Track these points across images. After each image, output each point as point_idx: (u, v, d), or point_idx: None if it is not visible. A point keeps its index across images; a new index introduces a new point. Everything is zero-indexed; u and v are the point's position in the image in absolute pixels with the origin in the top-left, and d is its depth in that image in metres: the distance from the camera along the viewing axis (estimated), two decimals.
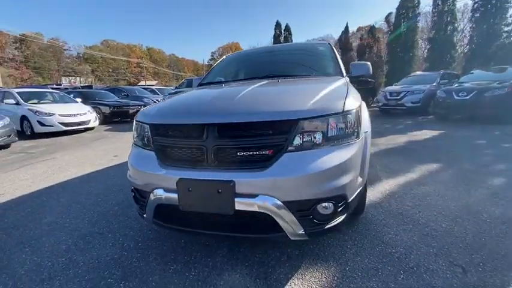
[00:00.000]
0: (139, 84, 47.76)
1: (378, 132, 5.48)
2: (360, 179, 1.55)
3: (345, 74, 2.46)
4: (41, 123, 6.84)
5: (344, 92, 1.70)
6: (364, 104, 1.87)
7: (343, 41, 17.17)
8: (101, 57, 59.03)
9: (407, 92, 8.59)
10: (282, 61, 2.91)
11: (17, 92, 7.54)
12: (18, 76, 42.57)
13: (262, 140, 1.37)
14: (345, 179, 1.37)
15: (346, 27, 17.22)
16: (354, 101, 1.58)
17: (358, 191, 1.55)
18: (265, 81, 2.18)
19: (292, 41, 28.48)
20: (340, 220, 1.44)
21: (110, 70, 62.66)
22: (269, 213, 1.31)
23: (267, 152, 1.36)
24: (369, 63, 2.61)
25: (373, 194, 2.49)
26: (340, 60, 2.62)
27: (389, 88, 9.59)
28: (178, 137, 1.51)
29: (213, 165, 1.40)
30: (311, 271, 1.52)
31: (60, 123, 7.00)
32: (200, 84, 2.81)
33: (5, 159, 4.57)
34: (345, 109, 1.45)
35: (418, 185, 2.67)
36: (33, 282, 1.53)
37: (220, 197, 1.33)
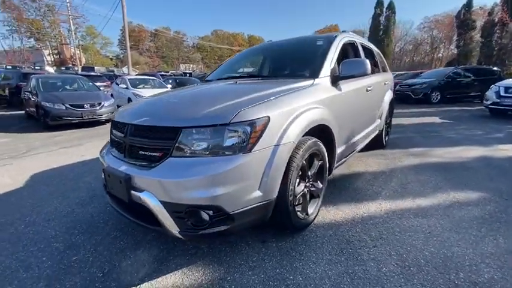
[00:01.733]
0: None
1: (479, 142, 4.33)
2: (258, 193, 1.49)
3: (328, 73, 2.19)
4: None
5: (263, 99, 1.61)
6: (307, 113, 1.71)
7: (462, 18, 13.49)
8: (209, 46, 67.25)
9: None
10: (273, 60, 2.80)
11: (128, 79, 9.85)
12: (151, 63, 54.14)
13: (155, 142, 1.54)
14: (219, 191, 1.38)
15: (469, 1, 13.37)
16: (256, 112, 1.49)
17: (256, 205, 1.50)
18: (229, 82, 2.24)
19: (395, 22, 24.50)
20: (221, 229, 1.46)
21: (216, 58, 70.75)
22: (150, 208, 1.48)
23: (157, 154, 1.52)
24: (365, 60, 2.22)
25: None
26: (331, 58, 2.32)
27: (507, 82, 7.13)
28: (115, 132, 1.85)
29: (125, 159, 1.67)
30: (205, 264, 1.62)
31: None
32: (206, 81, 3.06)
33: (107, 130, 6.23)
34: (234, 121, 1.42)
35: None
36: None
37: (121, 186, 1.59)
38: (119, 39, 60.20)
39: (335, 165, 2.38)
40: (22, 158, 4.17)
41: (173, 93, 2.22)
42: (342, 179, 2.94)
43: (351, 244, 1.78)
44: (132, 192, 1.54)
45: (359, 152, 3.70)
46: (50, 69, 29.05)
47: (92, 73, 14.05)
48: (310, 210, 2.02)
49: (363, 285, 1.42)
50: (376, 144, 4.05)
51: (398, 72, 16.55)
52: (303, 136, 1.79)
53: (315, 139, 1.90)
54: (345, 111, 2.36)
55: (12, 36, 39.20)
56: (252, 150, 1.44)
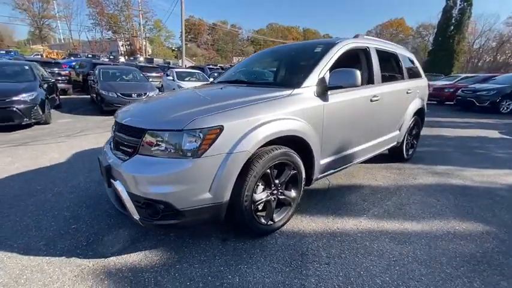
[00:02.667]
0: None
1: None
2: (208, 195, 1.63)
3: (313, 83, 2.16)
4: None
5: (225, 108, 1.71)
6: (269, 124, 1.76)
7: None
8: (263, 39, 67.68)
9: None
10: (267, 67, 2.81)
11: (175, 72, 10.72)
12: (207, 55, 57.16)
13: (129, 140, 1.78)
14: (169, 189, 1.56)
15: None
16: (210, 121, 1.60)
17: (206, 205, 1.64)
18: (217, 87, 2.37)
19: (470, 15, 21.07)
20: (172, 222, 1.64)
21: None
22: (120, 195, 1.74)
23: (130, 150, 1.76)
24: (354, 71, 2.12)
25: None
26: (321, 67, 2.26)
27: None
28: (112, 128, 2.17)
29: (112, 151, 1.96)
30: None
31: None
32: (211, 83, 3.26)
33: None
34: (187, 127, 1.57)
35: None
36: None
37: (104, 173, 1.89)
38: (180, 32, 65.02)
39: (318, 176, 2.35)
40: (75, 137, 5.01)
41: (164, 96, 2.46)
42: (337, 190, 2.86)
43: (304, 257, 1.79)
44: (111, 179, 1.82)
45: (371, 163, 3.52)
46: (121, 59, 33.09)
47: (148, 64, 15.56)
48: (279, 217, 2.07)
49: None
50: (395, 156, 3.76)
51: (465, 75, 14.37)
52: (269, 145, 1.84)
53: (285, 149, 1.92)
54: (334, 123, 2.29)
55: (95, 29, 45.61)
56: (203, 156, 1.57)
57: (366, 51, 2.85)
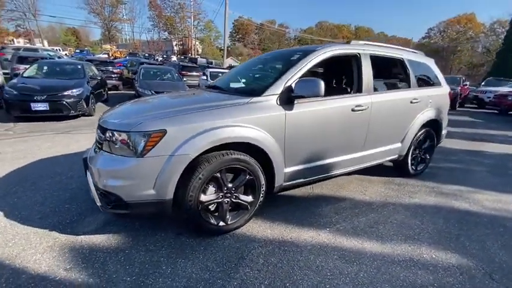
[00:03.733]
0: None
1: None
2: (152, 191, 1.81)
3: (276, 92, 2.18)
4: None
5: (176, 114, 1.88)
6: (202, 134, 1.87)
7: None
8: (310, 39, 66.19)
9: None
10: (245, 74, 2.85)
11: (209, 71, 11.30)
12: (253, 55, 58.28)
13: (100, 137, 2.06)
14: (116, 183, 1.79)
15: None
16: (154, 125, 1.77)
17: (151, 200, 1.82)
18: (191, 92, 2.54)
19: None
20: (123, 212, 1.87)
21: None
22: (89, 183, 2.03)
23: (99, 146, 2.04)
24: (317, 80, 2.10)
25: None
26: (290, 75, 2.25)
27: None
28: None
29: (93, 146, 2.28)
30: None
31: None
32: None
33: None
34: (133, 130, 1.77)
35: None
36: None
37: (84, 165, 2.21)
38: (230, 32, 67.44)
39: (284, 184, 2.36)
40: None
41: (141, 100, 2.74)
42: (315, 199, 2.79)
43: (241, 261, 1.85)
44: (87, 170, 2.13)
45: (371, 175, 3.36)
46: (173, 58, 35.85)
47: (190, 64, 16.58)
48: (233, 220, 2.15)
49: None
50: (399, 171, 3.48)
51: None
52: (222, 150, 1.94)
53: (237, 155, 1.99)
54: (299, 132, 2.26)
55: (154, 30, 50.12)
56: (145, 156, 1.75)
57: (356, 58, 2.72)
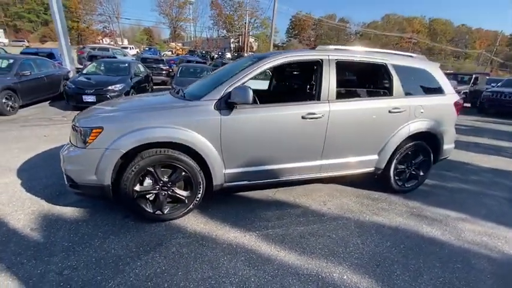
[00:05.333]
0: None
1: None
2: (94, 177, 2.19)
3: (215, 97, 2.33)
4: None
5: (115, 112, 2.22)
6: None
7: None
8: (374, 33, 61.11)
9: None
10: (217, 77, 2.97)
11: None
12: None
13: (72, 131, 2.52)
14: (69, 167, 2.23)
15: None
16: (94, 122, 2.16)
17: (94, 184, 2.20)
18: (160, 93, 2.83)
19: None
20: (78, 191, 2.31)
21: (378, 46, 63.64)
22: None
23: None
24: (245, 88, 2.21)
25: None
26: (232, 82, 2.37)
27: None
28: None
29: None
30: None
31: None
32: None
33: None
34: (83, 126, 2.18)
35: None
36: None
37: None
38: (286, 29, 67.10)
39: (225, 185, 2.50)
40: None
41: (113, 101, 3.15)
42: (267, 203, 2.83)
43: (157, 246, 2.09)
44: None
45: (351, 186, 3.26)
46: (228, 55, 37.64)
47: (231, 61, 17.32)
48: (170, 211, 2.41)
49: (105, 269, 1.84)
50: (381, 185, 3.22)
51: None
52: (152, 148, 2.20)
53: (171, 153, 2.23)
54: (238, 136, 2.36)
55: (213, 28, 53.24)
56: (88, 148, 2.13)
57: (318, 64, 2.63)
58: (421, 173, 3.25)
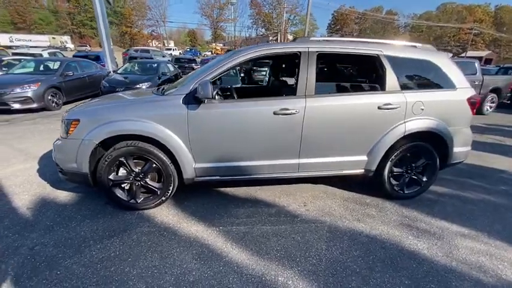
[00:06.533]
0: (463, 55, 40.58)
1: None
2: (74, 165, 2.40)
3: (183, 92, 2.37)
4: None
5: (92, 106, 2.39)
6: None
7: None
8: (426, 26, 55.47)
9: None
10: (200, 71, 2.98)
11: None
12: None
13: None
14: (57, 155, 2.47)
15: None
16: (73, 115, 2.37)
17: (75, 171, 2.41)
18: (139, 90, 2.97)
19: None
20: (64, 178, 2.56)
21: (431, 39, 57.59)
22: None
23: None
24: (206, 82, 2.19)
25: None
26: (202, 76, 2.38)
27: None
28: None
29: None
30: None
31: None
32: None
33: None
34: (65, 118, 2.40)
35: None
36: None
37: None
38: (328, 24, 64.65)
39: (197, 179, 2.54)
40: None
41: (104, 96, 3.38)
42: (244, 200, 2.79)
43: (122, 232, 2.22)
44: None
45: (343, 189, 3.12)
46: None
47: (265, 60, 17.36)
48: (144, 201, 2.53)
49: (68, 248, 2.01)
50: (376, 189, 2.94)
51: None
52: (124, 140, 2.33)
53: (141, 145, 2.34)
54: (205, 131, 2.36)
55: (252, 27, 53.81)
56: (68, 138, 2.35)
57: (296, 57, 2.50)
58: (425, 179, 2.87)
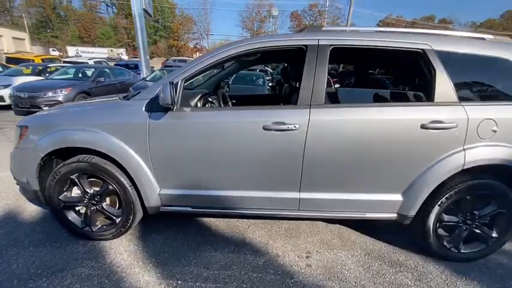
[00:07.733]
0: None
1: None
2: (24, 179, 2.02)
3: (146, 97, 1.88)
4: None
5: (44, 112, 2.01)
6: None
7: None
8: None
9: None
10: None
11: None
12: None
13: None
14: (12, 168, 2.11)
15: None
16: (23, 121, 2.03)
17: (23, 185, 2.04)
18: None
19: None
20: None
21: None
22: None
23: None
24: (165, 85, 1.61)
25: None
26: (171, 78, 1.84)
27: None
28: None
29: None
30: None
31: None
32: None
33: None
34: (17, 124, 2.02)
35: None
36: None
37: None
38: None
39: (162, 208, 1.98)
40: None
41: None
42: (227, 241, 2.13)
43: (58, 272, 1.72)
44: None
45: (359, 232, 2.33)
46: None
47: None
48: (100, 230, 2.03)
49: None
50: (414, 238, 2.07)
51: None
52: (79, 154, 1.88)
53: (95, 161, 1.86)
54: (174, 148, 1.80)
55: None
56: (18, 147, 1.97)
57: (303, 53, 1.82)
58: (494, 234, 1.90)
